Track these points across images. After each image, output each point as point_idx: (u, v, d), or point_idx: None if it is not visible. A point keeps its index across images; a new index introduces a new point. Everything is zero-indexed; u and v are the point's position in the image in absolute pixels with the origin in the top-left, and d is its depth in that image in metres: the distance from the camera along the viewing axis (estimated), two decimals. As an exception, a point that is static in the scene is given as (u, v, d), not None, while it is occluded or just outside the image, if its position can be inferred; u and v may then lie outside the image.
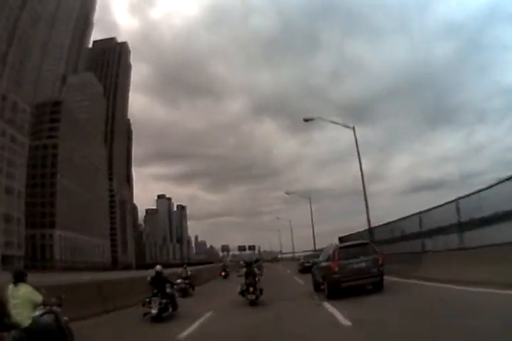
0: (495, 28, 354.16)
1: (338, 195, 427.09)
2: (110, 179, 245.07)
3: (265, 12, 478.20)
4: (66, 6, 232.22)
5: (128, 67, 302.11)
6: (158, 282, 16.94)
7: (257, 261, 48.50)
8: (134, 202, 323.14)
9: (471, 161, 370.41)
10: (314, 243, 78.35)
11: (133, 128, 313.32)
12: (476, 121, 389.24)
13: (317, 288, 21.47)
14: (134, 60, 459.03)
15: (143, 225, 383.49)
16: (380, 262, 18.09)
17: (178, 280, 25.93)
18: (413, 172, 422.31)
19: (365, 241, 22.31)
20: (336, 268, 17.97)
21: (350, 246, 20.21)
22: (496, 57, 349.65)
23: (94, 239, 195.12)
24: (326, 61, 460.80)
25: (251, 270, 19.85)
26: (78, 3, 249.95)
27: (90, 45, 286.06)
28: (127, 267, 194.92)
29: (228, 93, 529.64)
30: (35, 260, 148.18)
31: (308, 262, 42.28)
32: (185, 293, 25.91)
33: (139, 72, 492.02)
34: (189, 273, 28.92)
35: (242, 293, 18.93)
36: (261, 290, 18.75)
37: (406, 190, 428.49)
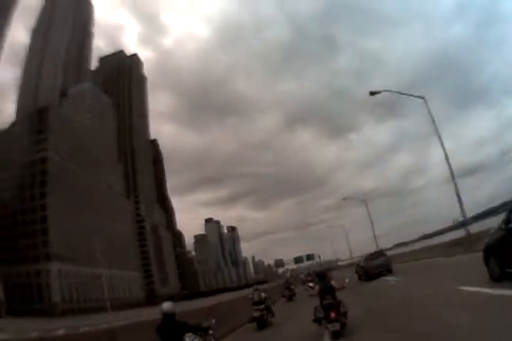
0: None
1: (386, 194, 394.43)
2: (137, 202, 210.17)
3: (277, 22, 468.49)
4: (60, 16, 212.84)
5: (142, 79, 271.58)
6: (169, 330, 10.20)
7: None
8: (179, 228, 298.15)
9: (508, 137, 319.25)
10: (377, 243, 74.45)
11: (168, 157, 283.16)
12: (506, 96, 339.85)
13: (360, 278, 39.63)
14: (156, 91, 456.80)
15: (193, 252, 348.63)
16: (389, 259, 38.80)
17: (255, 307, 20.73)
18: (453, 158, 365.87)
19: (379, 250, 45.07)
20: (367, 265, 38.05)
21: (373, 253, 41.34)
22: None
23: (116, 271, 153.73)
24: (347, 61, 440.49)
25: (327, 284, 13.51)
26: (71, 14, 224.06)
27: (98, 63, 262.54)
28: (170, 299, 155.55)
29: (256, 109, 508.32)
30: (31, 303, 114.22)
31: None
32: (262, 323, 20.16)
33: (163, 102, 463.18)
34: (263, 295, 21.58)
35: (319, 320, 12.92)
36: (345, 314, 12.55)
37: (449, 178, 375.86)
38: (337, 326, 12.03)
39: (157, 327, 10.29)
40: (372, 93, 34.77)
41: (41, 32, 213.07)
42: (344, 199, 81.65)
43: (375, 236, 75.98)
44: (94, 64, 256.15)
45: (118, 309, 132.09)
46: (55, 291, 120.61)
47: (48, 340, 14.66)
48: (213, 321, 12.09)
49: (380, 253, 40.50)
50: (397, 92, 35.16)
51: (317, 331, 13.25)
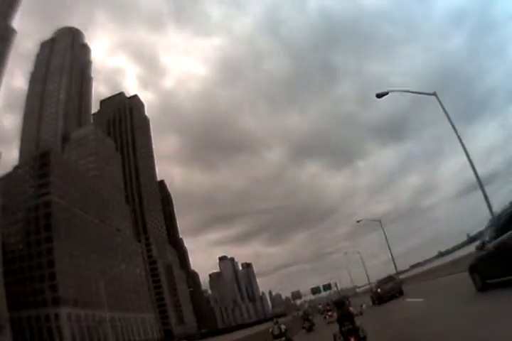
0: (498, 3, 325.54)
1: (398, 217, 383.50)
2: (148, 245, 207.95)
3: (275, 53, 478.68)
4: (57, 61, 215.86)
5: (144, 120, 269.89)
6: None
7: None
8: (193, 269, 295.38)
9: None
10: (395, 265, 74.67)
11: (178, 198, 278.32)
12: (508, 103, 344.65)
13: (374, 302, 40.53)
14: (160, 132, 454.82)
15: (209, 291, 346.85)
16: (399, 283, 41.93)
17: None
18: (463, 173, 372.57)
19: (389, 275, 45.97)
20: (379, 290, 39.54)
21: (384, 278, 42.88)
22: (509, 31, 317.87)
23: (128, 313, 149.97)
24: (349, 87, 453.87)
25: (345, 311, 13.53)
26: (68, 59, 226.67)
27: (98, 107, 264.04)
28: (187, 338, 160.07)
29: (262, 144, 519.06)
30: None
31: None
32: None
33: (168, 143, 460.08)
34: (283, 328, 21.40)
35: None
36: (364, 339, 12.52)
37: (461, 194, 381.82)
38: None
39: None
40: (378, 95, 32.75)
41: (39, 77, 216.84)
42: (358, 221, 78.22)
43: (392, 258, 73.52)
44: (95, 107, 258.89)
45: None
46: (66, 336, 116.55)
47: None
48: None
49: (390, 278, 43.84)
50: (406, 91, 33.08)
51: None
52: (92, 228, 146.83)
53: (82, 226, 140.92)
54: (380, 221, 73.11)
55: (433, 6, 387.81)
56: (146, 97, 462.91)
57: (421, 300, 23.49)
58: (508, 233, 12.82)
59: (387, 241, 72.01)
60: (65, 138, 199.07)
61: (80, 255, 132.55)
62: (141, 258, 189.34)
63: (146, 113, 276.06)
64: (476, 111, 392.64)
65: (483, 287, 15.66)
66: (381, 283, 42.05)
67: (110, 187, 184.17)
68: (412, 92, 33.39)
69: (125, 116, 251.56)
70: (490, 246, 14.53)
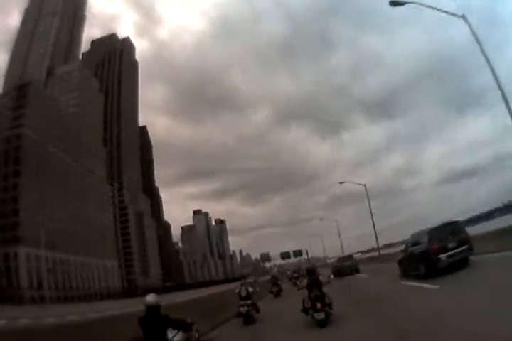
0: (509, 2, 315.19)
1: (379, 194, 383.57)
2: (120, 189, 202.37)
3: (274, 16, 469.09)
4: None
5: (133, 64, 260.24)
6: (153, 323, 9.74)
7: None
8: (166, 219, 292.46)
9: (504, 142, 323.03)
10: (377, 239, 68.19)
11: (160, 149, 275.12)
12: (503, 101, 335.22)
13: (334, 275, 40.39)
14: (150, 82, 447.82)
15: (180, 244, 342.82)
16: (356, 262, 50.65)
17: (241, 302, 20.34)
18: (447, 161, 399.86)
19: (349, 254, 58.11)
20: (339, 266, 48.24)
21: (344, 257, 54.77)
22: None
23: (92, 259, 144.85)
24: (343, 58, 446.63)
25: (315, 279, 15.41)
26: None
27: (89, 46, 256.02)
28: (152, 290, 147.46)
29: (250, 103, 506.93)
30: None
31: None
32: (248, 319, 19.88)
33: (157, 93, 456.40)
34: (250, 290, 21.20)
35: (306, 310, 14.88)
36: (330, 305, 14.53)
37: (442, 181, 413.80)
38: (322, 315, 13.83)
39: (139, 319, 9.77)
40: (393, 3, 27.14)
41: (32, 14, 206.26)
42: (341, 183, 72.30)
43: (375, 231, 68.19)
44: (86, 48, 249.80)
45: (94, 299, 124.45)
46: (23, 276, 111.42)
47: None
48: (196, 317, 12.55)
49: (349, 257, 54.93)
50: (430, 7, 27.46)
51: (301, 328, 14.53)
52: (63, 166, 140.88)
53: (54, 163, 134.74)
54: (365, 185, 67.64)
55: None
56: (140, 46, 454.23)
57: (367, 276, 37.95)
58: (414, 247, 23.30)
59: (370, 210, 66.14)
60: (50, 74, 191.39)
61: (47, 193, 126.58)
62: (111, 202, 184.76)
63: (137, 57, 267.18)
64: (470, 104, 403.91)
65: (404, 275, 24.65)
66: (341, 260, 52.60)
67: (88, 126, 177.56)
68: (437, 10, 28.06)
69: (114, 57, 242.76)
70: (408, 251, 24.20)
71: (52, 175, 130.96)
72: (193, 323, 10.97)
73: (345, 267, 47.10)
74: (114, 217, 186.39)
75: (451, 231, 21.02)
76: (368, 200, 66.18)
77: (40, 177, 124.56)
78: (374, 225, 66.85)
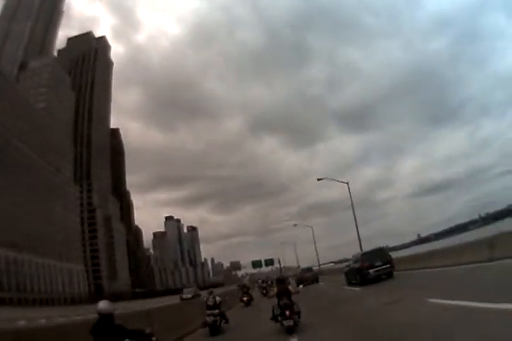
0: (488, 17, 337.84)
1: (349, 206, 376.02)
2: (89, 191, 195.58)
3: (251, 25, 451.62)
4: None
5: (108, 63, 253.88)
6: (105, 333, 8.93)
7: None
8: (137, 224, 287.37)
9: (479, 156, 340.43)
10: (360, 244, 58.41)
11: (132, 154, 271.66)
12: (480, 115, 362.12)
13: (298, 284, 40.17)
14: (124, 86, 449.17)
15: (151, 250, 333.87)
16: (316, 273, 60.67)
17: (208, 312, 19.70)
18: (422, 174, 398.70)
19: (309, 267, 70.14)
20: (301, 276, 56.87)
21: (305, 269, 66.96)
22: (493, 46, 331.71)
23: (55, 261, 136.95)
24: (320, 70, 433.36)
25: (284, 288, 15.97)
26: None
27: (64, 44, 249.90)
28: (119, 296, 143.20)
29: (224, 111, 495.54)
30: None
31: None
32: (215, 329, 19.07)
33: (131, 98, 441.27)
34: (218, 299, 20.57)
35: (275, 317, 15.33)
36: (298, 314, 15.07)
37: (416, 194, 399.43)
38: (291, 322, 14.25)
39: (92, 328, 8.95)
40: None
41: (11, 6, 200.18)
42: (319, 179, 64.24)
43: (359, 237, 59.33)
44: (62, 46, 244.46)
45: (54, 304, 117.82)
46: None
47: None
48: (155, 327, 11.56)
49: (310, 269, 66.25)
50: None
51: (270, 337, 14.81)
52: (28, 162, 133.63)
53: (18, 158, 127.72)
54: (348, 183, 59.97)
55: (421, 5, 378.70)
56: (116, 49, 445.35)
57: (323, 284, 49.98)
58: (354, 264, 32.54)
59: (354, 214, 59.16)
60: (23, 67, 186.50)
61: (8, 189, 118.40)
62: (78, 203, 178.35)
63: (113, 61, 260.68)
64: (446, 118, 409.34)
65: (348, 284, 33.47)
66: (303, 272, 63.62)
67: (57, 123, 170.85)
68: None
69: (89, 56, 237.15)
70: (350, 266, 34.09)
71: (14, 171, 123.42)
72: (152, 334, 9.97)
73: (307, 277, 56.33)
74: (82, 219, 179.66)
75: (378, 254, 30.24)
76: (352, 201, 59.17)
77: (1, 172, 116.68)
78: (358, 232, 59.68)
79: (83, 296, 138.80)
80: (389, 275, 28.87)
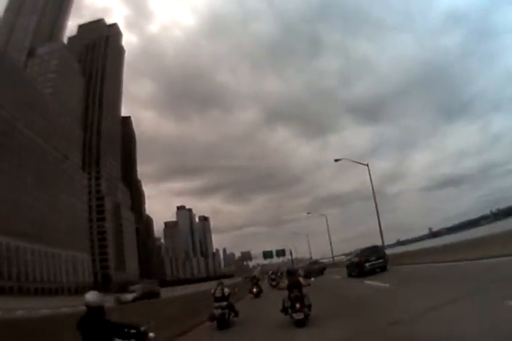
0: (500, 13, 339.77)
1: (363, 198, 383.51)
2: (98, 178, 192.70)
3: (265, 17, 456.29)
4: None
5: (119, 50, 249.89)
6: (94, 328, 7.96)
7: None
8: (149, 214, 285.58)
9: (491, 152, 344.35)
10: (382, 237, 53.97)
11: (145, 143, 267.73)
12: (492, 110, 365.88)
13: (305, 276, 37.19)
14: (137, 76, 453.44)
15: (162, 239, 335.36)
16: (323, 266, 68.71)
17: (216, 304, 18.39)
18: (433, 168, 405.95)
19: (316, 260, 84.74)
20: (309, 269, 62.74)
21: (312, 261, 79.21)
22: (505, 42, 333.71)
23: (59, 250, 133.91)
24: (333, 62, 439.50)
25: (295, 280, 15.29)
26: None
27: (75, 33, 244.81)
28: (123, 287, 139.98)
29: (238, 102, 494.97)
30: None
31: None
32: (222, 322, 17.78)
33: (144, 88, 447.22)
34: (226, 291, 19.16)
35: (286, 310, 14.79)
36: (309, 307, 14.46)
37: (428, 187, 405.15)
38: (301, 315, 13.66)
39: (78, 322, 8.03)
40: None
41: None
42: (336, 160, 61.97)
43: (380, 229, 55.34)
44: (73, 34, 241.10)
45: (57, 293, 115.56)
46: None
47: None
48: (154, 323, 9.42)
49: (316, 262, 75.68)
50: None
51: (280, 330, 14.27)
52: (34, 148, 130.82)
53: (23, 143, 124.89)
54: (367, 165, 56.80)
55: (434, 1, 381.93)
56: (129, 40, 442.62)
57: (328, 275, 54.99)
58: (354, 258, 37.36)
59: (373, 193, 54.91)
60: (31, 54, 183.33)
61: (12, 174, 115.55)
62: (86, 191, 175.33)
63: (126, 52, 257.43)
64: (457, 113, 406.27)
65: (349, 276, 37.21)
66: (311, 264, 72.18)
67: (65, 109, 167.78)
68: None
69: (100, 43, 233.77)
70: (351, 260, 38.49)
71: (20, 156, 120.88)
72: (147, 331, 8.58)
73: (314, 269, 61.67)
74: (90, 207, 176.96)
75: (374, 250, 34.94)
76: (372, 185, 55.55)
77: (6, 157, 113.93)
78: (380, 222, 56.04)
79: (88, 285, 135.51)
80: (383, 268, 33.09)
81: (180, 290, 62.21)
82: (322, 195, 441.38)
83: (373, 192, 54.66)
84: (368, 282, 25.78)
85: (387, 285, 21.48)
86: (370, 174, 54.87)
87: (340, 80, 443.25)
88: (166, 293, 62.86)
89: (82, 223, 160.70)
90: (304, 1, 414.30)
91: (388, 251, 54.44)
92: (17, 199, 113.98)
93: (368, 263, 32.92)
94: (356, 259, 35.54)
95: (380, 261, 33.01)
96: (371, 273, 31.96)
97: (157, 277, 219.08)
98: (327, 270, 74.55)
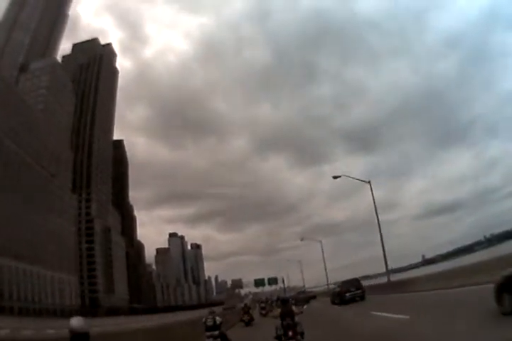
0: (496, 36, 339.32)
1: (355, 227, 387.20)
2: (88, 200, 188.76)
3: (258, 43, 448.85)
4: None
5: (113, 71, 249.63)
6: None
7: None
8: (141, 240, 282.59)
9: (487, 178, 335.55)
10: (386, 262, 53.61)
11: (137, 170, 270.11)
12: (488, 136, 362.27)
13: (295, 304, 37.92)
14: (130, 101, 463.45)
15: (153, 266, 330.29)
16: (310, 295, 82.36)
17: (207, 333, 18.16)
18: (428, 195, 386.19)
19: (303, 289, 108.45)
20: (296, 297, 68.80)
21: (300, 291, 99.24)
22: (501, 66, 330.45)
23: (45, 270, 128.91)
24: (327, 89, 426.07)
25: (288, 309, 15.60)
26: None
27: (70, 51, 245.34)
28: (114, 311, 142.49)
29: (230, 129, 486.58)
30: None
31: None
32: None
33: (137, 113, 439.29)
34: (218, 320, 18.79)
35: (279, 337, 15.08)
36: (302, 334, 14.82)
37: (423, 215, 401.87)
38: None
39: None
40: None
41: (13, 11, 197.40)
42: (335, 177, 57.42)
43: (384, 254, 53.57)
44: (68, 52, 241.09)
45: (44, 315, 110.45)
46: None
47: None
48: None
49: (303, 291, 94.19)
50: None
51: None
52: (21, 166, 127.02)
53: (10, 160, 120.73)
54: (369, 182, 53.11)
55: (429, 24, 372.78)
56: (123, 64, 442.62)
57: (315, 303, 59.96)
58: (336, 289, 44.70)
59: (378, 224, 51.60)
60: (23, 69, 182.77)
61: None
62: (75, 212, 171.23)
63: (120, 78, 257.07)
64: (453, 139, 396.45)
65: (332, 303, 43.11)
66: (298, 294, 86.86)
67: (56, 127, 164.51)
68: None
69: (94, 62, 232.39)
70: (334, 290, 45.57)
71: (6, 173, 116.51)
72: None
73: (301, 298, 69.21)
74: (79, 229, 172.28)
75: (353, 282, 41.08)
76: (374, 202, 51.98)
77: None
78: (383, 248, 52.30)
79: (74, 309, 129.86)
80: (361, 298, 38.40)
81: (171, 317, 62.28)
82: (316, 223, 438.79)
83: (376, 211, 51.95)
84: (347, 311, 30.86)
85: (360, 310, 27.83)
86: (372, 191, 53.32)
87: (334, 107, 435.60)
88: (159, 318, 67.43)
89: (70, 244, 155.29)
90: (298, 28, 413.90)
91: (375, 281, 71.02)
92: (1, 218, 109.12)
93: (348, 293, 39.05)
94: (338, 289, 42.28)
95: (359, 291, 39.07)
96: (350, 301, 37.91)
97: (147, 303, 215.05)
98: (318, 298, 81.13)
